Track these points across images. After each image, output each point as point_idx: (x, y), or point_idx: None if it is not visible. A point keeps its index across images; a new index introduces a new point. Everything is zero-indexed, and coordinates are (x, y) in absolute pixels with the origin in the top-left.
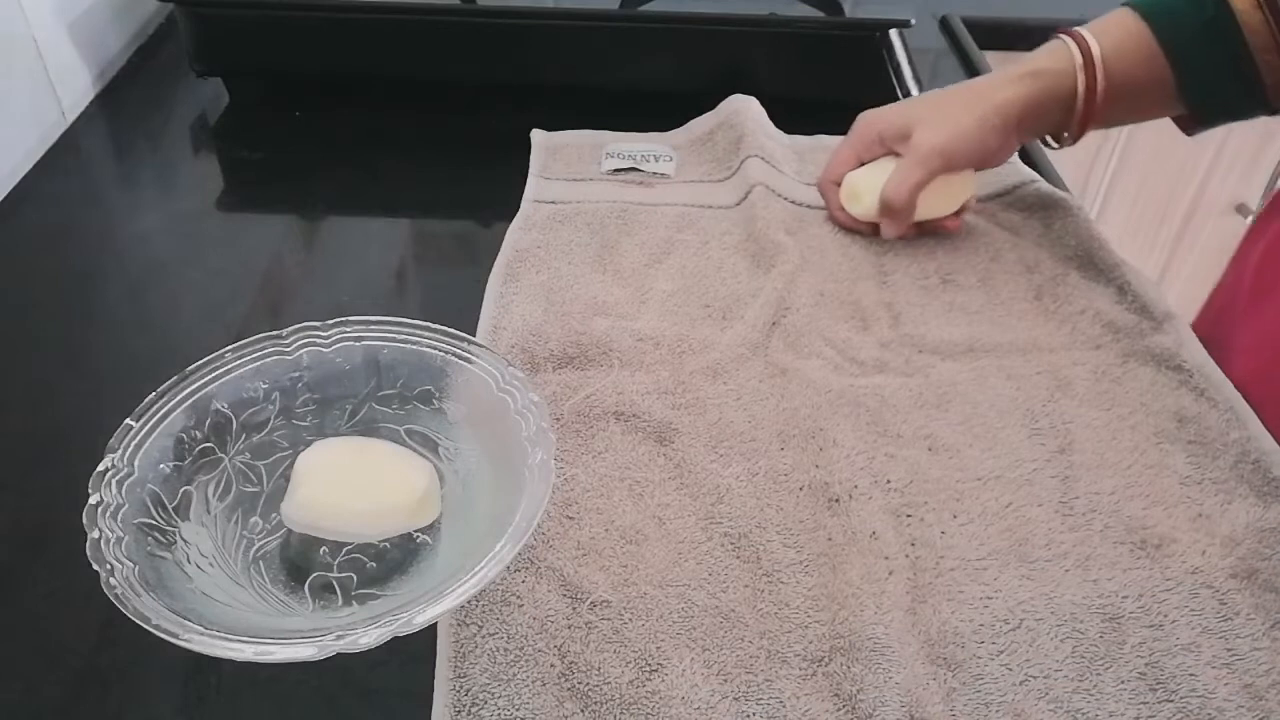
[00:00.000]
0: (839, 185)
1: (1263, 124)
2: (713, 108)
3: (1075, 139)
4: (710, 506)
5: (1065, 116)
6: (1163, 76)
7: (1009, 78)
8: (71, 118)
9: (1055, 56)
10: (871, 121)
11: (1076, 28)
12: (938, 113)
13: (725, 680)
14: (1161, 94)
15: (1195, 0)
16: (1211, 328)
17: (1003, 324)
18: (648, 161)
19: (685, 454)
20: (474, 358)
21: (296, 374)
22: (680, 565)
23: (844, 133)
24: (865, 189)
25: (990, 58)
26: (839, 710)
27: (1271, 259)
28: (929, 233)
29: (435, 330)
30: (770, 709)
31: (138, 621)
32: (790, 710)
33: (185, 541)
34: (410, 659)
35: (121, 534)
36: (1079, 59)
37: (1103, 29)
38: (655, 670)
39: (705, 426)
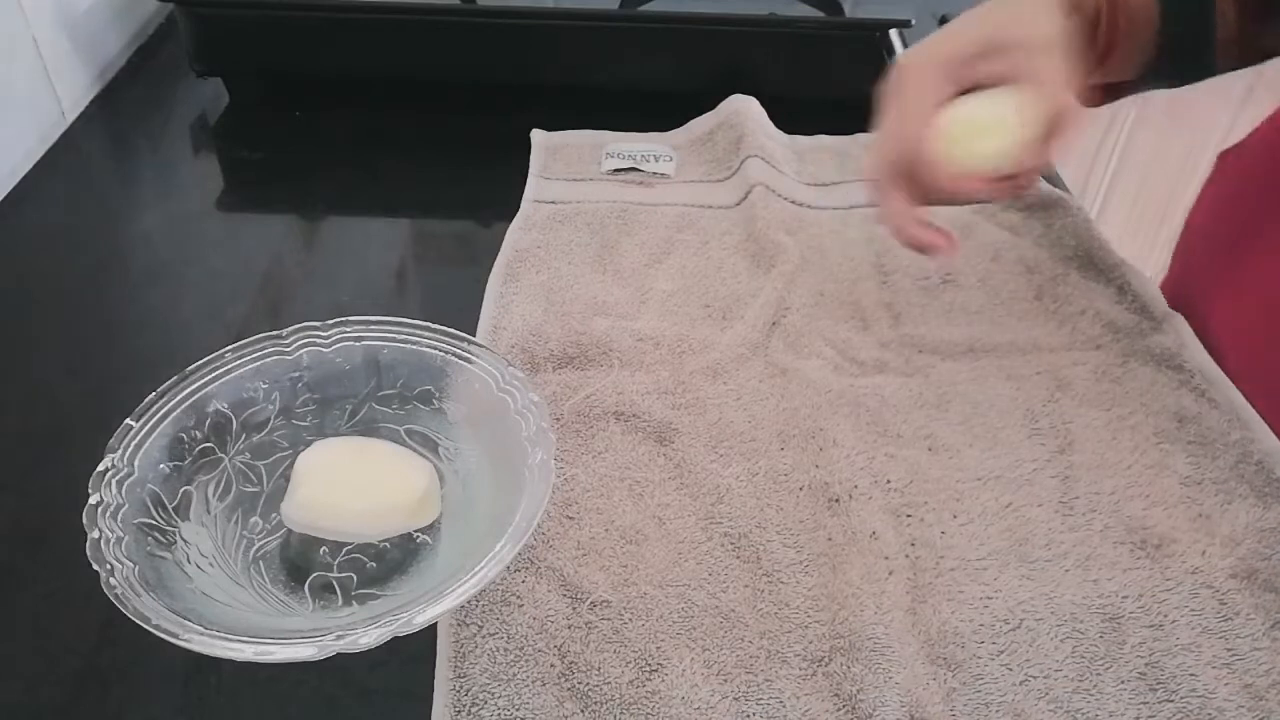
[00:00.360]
0: (905, 152)
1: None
2: (713, 108)
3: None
4: (710, 506)
5: (1084, 61)
6: (1151, 20)
7: (1054, 5)
8: (71, 118)
9: None
10: (951, 46)
11: None
12: (1036, 18)
13: (725, 680)
14: (1141, 45)
15: None
16: (1175, 288)
17: (1003, 324)
18: (648, 161)
19: (685, 454)
20: (474, 358)
21: (296, 374)
22: (680, 565)
23: (844, 132)
24: (989, 124)
25: None
26: (839, 710)
27: (1245, 232)
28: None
29: (435, 330)
30: (770, 709)
31: (138, 621)
32: (790, 710)
33: (185, 541)
34: (410, 659)
35: (121, 534)
36: None
37: None
38: (655, 670)
39: (705, 426)
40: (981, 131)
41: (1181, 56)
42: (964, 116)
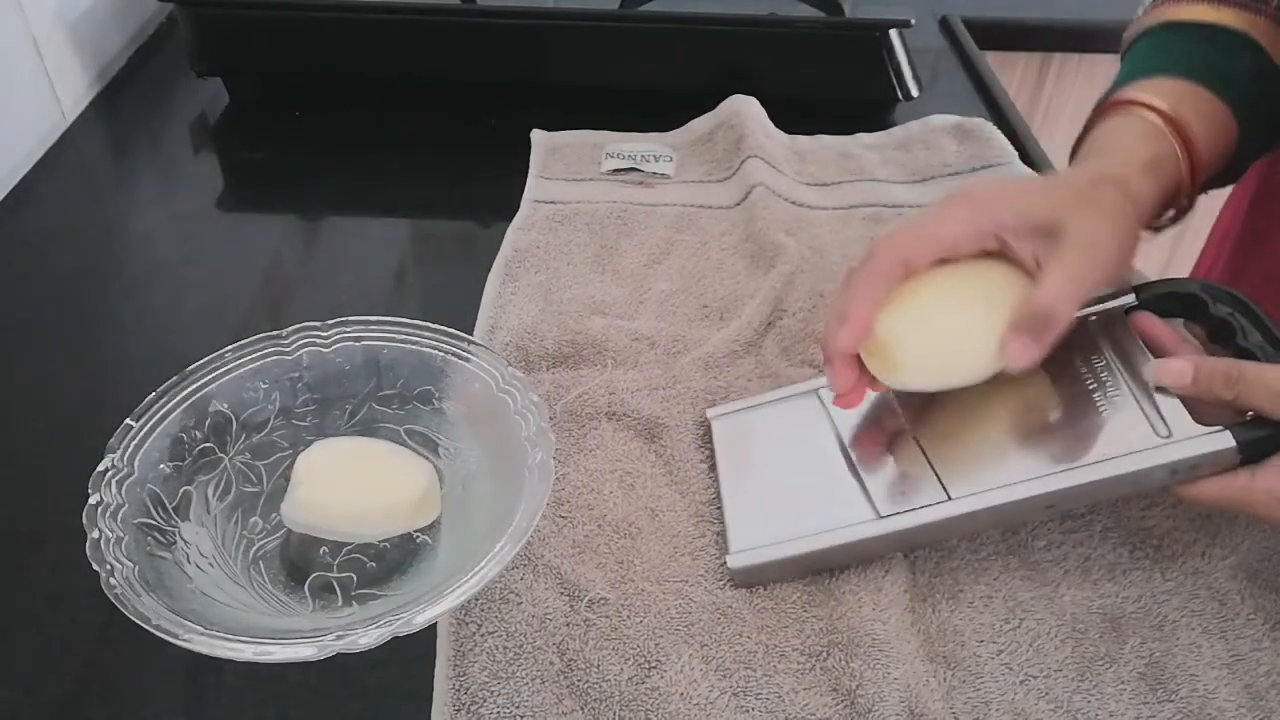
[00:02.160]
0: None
1: None
2: (713, 108)
3: (1157, 231)
4: (702, 506)
5: (1165, 211)
6: (1230, 143)
7: (1137, 168)
8: (71, 118)
9: (1159, 143)
10: (979, 207)
11: (1153, 102)
12: (1091, 203)
13: (724, 676)
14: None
15: (1226, 50)
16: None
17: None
18: (648, 161)
19: (675, 450)
20: (474, 358)
21: (296, 374)
22: (676, 561)
23: (844, 132)
24: (921, 333)
25: (990, 58)
26: (838, 704)
27: (1271, 230)
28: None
29: (435, 330)
30: (769, 704)
31: (138, 621)
32: (789, 705)
33: (185, 541)
34: (410, 659)
35: (121, 534)
36: (1180, 148)
37: (1183, 104)
38: (654, 667)
39: (694, 423)
40: (905, 346)
41: (1256, 155)
42: (899, 326)
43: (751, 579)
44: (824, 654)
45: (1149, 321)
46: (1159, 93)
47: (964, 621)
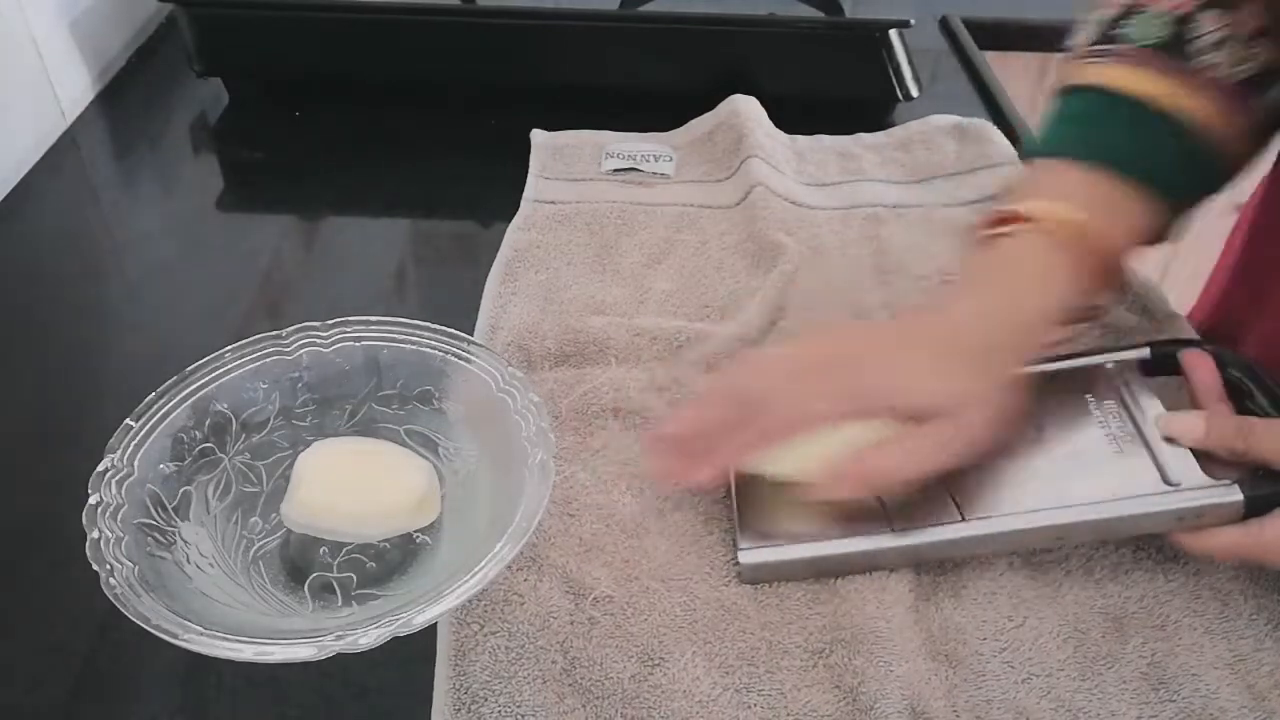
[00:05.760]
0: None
1: None
2: (713, 108)
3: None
4: (710, 504)
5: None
6: (1158, 225)
7: (1043, 318)
8: (71, 118)
9: (1073, 282)
10: (859, 397)
11: (1070, 217)
12: (980, 386)
13: (726, 673)
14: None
15: (1152, 135)
16: (1210, 317)
17: None
18: (648, 161)
19: None
20: (474, 358)
21: (296, 374)
22: (682, 559)
23: (844, 132)
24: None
25: (990, 58)
26: (840, 702)
27: (1260, 260)
28: None
29: (435, 330)
30: (771, 700)
31: (138, 621)
32: (791, 702)
33: (185, 542)
34: (410, 659)
35: (121, 534)
36: (1096, 273)
37: (1101, 206)
38: (657, 664)
39: None
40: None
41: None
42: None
43: (760, 576)
44: (827, 651)
45: (1199, 362)
46: (1077, 194)
47: (966, 620)
